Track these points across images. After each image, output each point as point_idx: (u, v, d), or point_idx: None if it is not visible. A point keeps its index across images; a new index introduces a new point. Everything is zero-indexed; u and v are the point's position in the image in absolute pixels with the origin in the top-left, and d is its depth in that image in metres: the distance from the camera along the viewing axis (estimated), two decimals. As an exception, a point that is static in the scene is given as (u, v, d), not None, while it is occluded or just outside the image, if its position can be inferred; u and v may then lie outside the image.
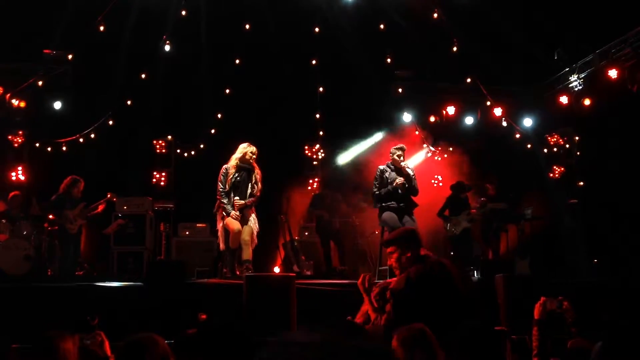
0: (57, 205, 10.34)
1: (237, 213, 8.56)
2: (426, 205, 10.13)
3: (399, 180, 8.81)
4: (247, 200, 8.69)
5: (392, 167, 9.05)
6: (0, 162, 12.47)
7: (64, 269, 10.16)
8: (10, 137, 12.52)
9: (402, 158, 9.01)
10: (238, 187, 8.73)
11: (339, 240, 11.38)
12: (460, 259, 11.05)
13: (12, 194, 10.92)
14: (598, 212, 12.65)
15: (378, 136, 14.37)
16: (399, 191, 8.83)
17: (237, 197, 8.65)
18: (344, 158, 14.53)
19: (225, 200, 8.62)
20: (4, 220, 10.47)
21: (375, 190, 9.06)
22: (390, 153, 9.14)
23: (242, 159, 8.78)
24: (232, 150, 9.08)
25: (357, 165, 13.72)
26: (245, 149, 8.83)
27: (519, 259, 11.75)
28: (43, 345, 3.76)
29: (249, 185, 8.77)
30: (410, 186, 8.90)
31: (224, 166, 8.81)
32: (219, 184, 8.71)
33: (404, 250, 5.03)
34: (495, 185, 12.33)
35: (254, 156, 8.84)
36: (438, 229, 11.96)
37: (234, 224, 8.50)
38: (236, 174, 8.72)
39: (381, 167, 9.14)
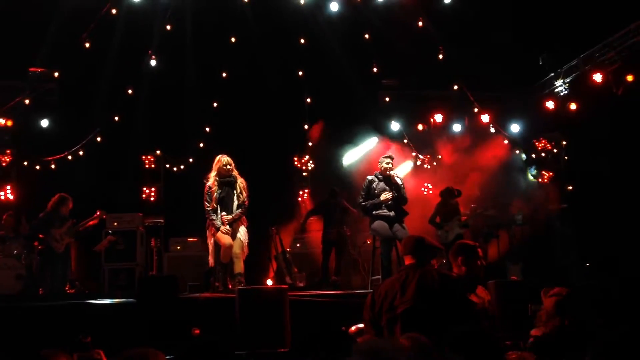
0: (45, 223, 10.26)
1: (227, 227, 8.52)
2: (417, 213, 10.15)
3: (385, 196, 8.82)
4: (234, 214, 8.62)
5: (380, 177, 9.05)
6: (-11, 182, 12.43)
7: (54, 288, 10.08)
8: (-3, 156, 12.49)
9: (390, 166, 9.03)
10: (224, 202, 8.65)
11: (338, 250, 11.33)
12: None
13: (5, 215, 10.85)
14: (588, 215, 12.70)
15: (367, 145, 14.36)
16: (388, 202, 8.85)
17: (224, 213, 8.59)
18: (348, 159, 14.41)
19: (213, 217, 8.58)
20: (-6, 240, 10.41)
21: (361, 200, 9.06)
22: (379, 162, 9.17)
23: (219, 174, 8.68)
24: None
25: (348, 173, 13.70)
26: (218, 163, 8.71)
27: (511, 264, 11.77)
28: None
29: (234, 198, 8.70)
30: (399, 195, 8.91)
31: (207, 184, 8.71)
32: (205, 202, 8.62)
33: None
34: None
35: (231, 166, 8.69)
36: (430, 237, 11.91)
37: (225, 239, 8.45)
38: (219, 191, 8.65)
39: (369, 177, 9.14)
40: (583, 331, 4.95)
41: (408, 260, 4.83)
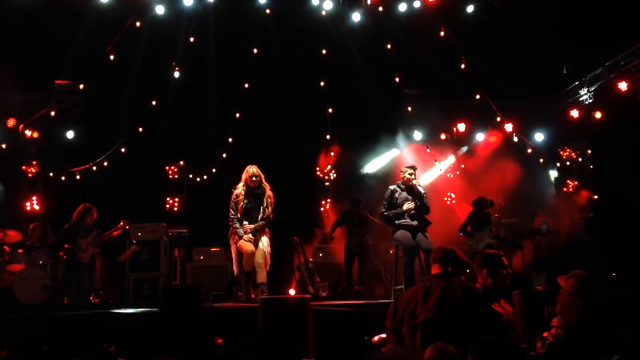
0: (70, 233, 10.38)
1: (250, 235, 8.55)
2: (440, 222, 10.07)
3: (408, 206, 8.80)
4: (257, 224, 8.66)
5: (402, 186, 9.04)
6: (15, 192, 12.57)
7: (79, 298, 10.18)
8: (24, 167, 12.65)
9: (413, 176, 9.01)
10: (248, 214, 8.70)
11: (360, 259, 11.33)
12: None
13: (32, 225, 10.97)
14: (613, 225, 12.54)
15: (389, 155, 14.35)
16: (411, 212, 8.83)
17: (246, 222, 8.64)
18: (370, 169, 14.40)
19: (237, 225, 8.62)
20: (20, 250, 10.53)
21: (383, 210, 9.04)
22: (401, 172, 9.16)
23: (247, 185, 8.73)
24: (244, 174, 9.04)
25: (370, 182, 13.67)
26: (245, 174, 8.75)
27: (536, 274, 11.65)
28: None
29: (260, 210, 8.72)
30: (421, 205, 8.88)
31: (235, 192, 8.77)
32: (230, 210, 8.69)
33: None
34: None
35: (257, 178, 8.71)
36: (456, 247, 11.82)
37: (247, 246, 8.49)
38: (245, 201, 8.69)
39: (391, 187, 9.13)
40: (605, 319, 4.92)
41: (435, 270, 4.81)
